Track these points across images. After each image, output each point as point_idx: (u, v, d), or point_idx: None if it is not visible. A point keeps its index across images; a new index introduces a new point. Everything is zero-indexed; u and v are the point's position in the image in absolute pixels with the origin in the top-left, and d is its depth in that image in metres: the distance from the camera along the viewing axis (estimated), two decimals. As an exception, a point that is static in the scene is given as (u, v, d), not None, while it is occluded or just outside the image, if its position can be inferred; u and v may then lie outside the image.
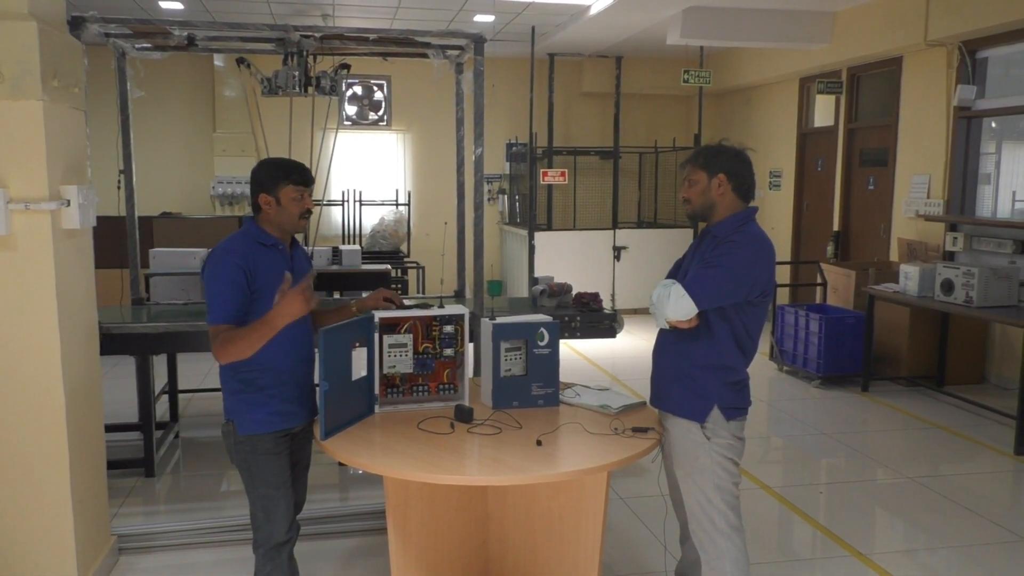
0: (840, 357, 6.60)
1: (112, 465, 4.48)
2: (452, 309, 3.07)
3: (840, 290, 7.33)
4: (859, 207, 8.43)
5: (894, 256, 7.56)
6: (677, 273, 2.80)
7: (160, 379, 5.28)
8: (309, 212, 2.74)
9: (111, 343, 4.18)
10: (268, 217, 2.71)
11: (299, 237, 2.93)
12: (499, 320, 3.09)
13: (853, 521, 4.17)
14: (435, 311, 3.04)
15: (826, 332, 6.56)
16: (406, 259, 9.06)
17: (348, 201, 9.80)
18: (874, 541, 3.98)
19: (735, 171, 2.68)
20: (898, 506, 4.44)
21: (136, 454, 4.61)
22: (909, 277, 6.11)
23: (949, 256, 6.83)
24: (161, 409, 5.31)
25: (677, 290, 2.59)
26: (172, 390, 5.30)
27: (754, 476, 4.71)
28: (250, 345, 2.57)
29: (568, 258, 9.55)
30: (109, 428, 4.68)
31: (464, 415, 2.87)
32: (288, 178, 2.68)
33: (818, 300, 7.70)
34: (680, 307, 2.58)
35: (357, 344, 2.83)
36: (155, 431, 4.67)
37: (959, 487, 4.61)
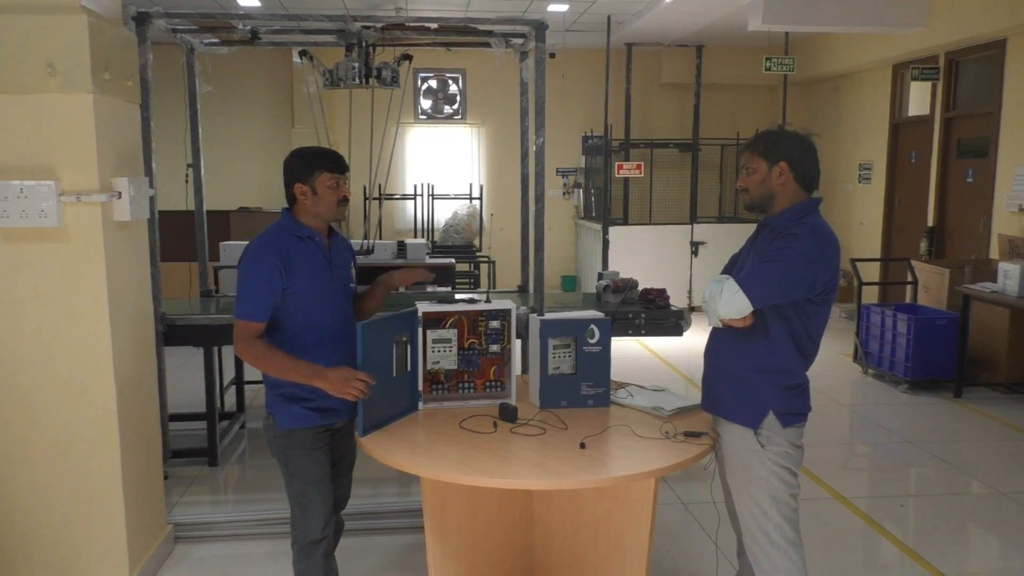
0: (930, 360, 6.17)
1: (177, 454, 4.58)
2: (497, 304, 2.96)
3: (932, 289, 6.88)
4: (956, 201, 7.90)
5: (994, 253, 7.05)
6: (732, 269, 2.60)
7: (229, 371, 5.37)
8: (346, 199, 2.68)
9: (176, 334, 4.26)
10: (305, 207, 2.66)
11: (345, 229, 2.88)
12: (547, 316, 2.97)
13: (940, 538, 3.86)
14: (480, 306, 2.94)
15: (915, 333, 6.14)
16: (478, 253, 9.01)
17: (421, 195, 9.82)
18: (964, 561, 3.67)
19: (797, 159, 2.46)
20: (991, 523, 4.08)
21: (201, 443, 4.68)
22: (1009, 276, 5.67)
23: (1056, 253, 6.31)
24: (231, 400, 5.40)
25: (730, 286, 2.40)
26: (239, 380, 5.38)
27: (831, 486, 4.42)
28: (273, 371, 2.57)
29: (644, 253, 9.30)
30: (177, 417, 4.82)
31: (508, 414, 2.77)
32: (323, 166, 2.62)
33: (908, 299, 7.25)
34: (733, 304, 2.39)
35: (402, 339, 2.76)
36: (221, 421, 4.73)
37: (1061, 505, 4.23)
